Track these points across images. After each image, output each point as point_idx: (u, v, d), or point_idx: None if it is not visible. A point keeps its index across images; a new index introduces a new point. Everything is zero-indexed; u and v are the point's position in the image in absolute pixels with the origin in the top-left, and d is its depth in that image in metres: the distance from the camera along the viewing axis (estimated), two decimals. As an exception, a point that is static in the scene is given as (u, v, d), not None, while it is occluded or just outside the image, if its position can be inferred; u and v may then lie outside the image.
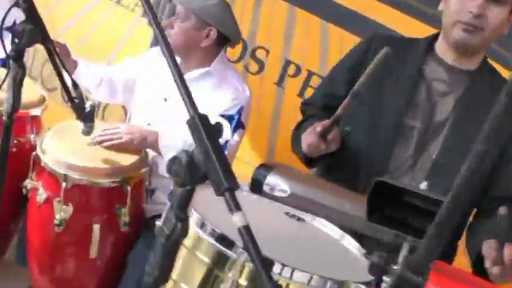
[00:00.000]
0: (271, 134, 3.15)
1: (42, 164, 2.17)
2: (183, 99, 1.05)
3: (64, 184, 2.09)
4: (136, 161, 2.23)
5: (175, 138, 2.27)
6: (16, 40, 1.68)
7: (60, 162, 2.14)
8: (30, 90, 2.36)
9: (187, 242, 1.35)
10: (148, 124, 2.47)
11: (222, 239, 1.28)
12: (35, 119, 2.49)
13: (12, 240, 2.61)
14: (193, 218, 1.35)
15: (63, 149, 2.20)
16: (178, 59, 2.49)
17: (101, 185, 2.13)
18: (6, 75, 1.72)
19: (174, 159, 0.99)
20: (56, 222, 2.12)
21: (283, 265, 1.27)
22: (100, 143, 2.26)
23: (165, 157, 2.28)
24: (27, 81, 1.81)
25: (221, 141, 2.30)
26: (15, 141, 2.28)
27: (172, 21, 2.41)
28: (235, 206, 0.94)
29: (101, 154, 2.21)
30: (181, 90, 1.07)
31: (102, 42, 3.48)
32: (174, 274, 1.32)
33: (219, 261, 1.29)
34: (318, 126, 1.90)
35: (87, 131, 2.11)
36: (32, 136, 2.46)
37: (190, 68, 2.46)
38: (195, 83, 2.42)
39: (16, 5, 1.62)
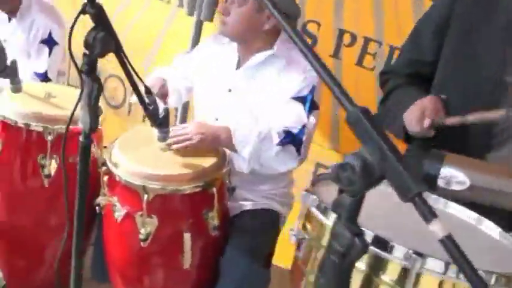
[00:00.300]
0: (333, 109, 2.99)
1: (117, 179, 2.04)
2: (335, 95, 0.90)
3: (145, 196, 1.96)
4: (216, 161, 2.09)
5: (249, 132, 2.13)
6: (87, 51, 1.52)
7: (137, 173, 2.00)
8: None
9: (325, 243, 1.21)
10: (217, 119, 2.33)
11: (378, 241, 1.12)
12: (95, 132, 2.36)
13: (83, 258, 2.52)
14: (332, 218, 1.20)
15: (137, 159, 2.07)
16: (236, 46, 2.33)
17: (184, 192, 2.00)
18: (81, 92, 1.57)
19: (343, 166, 0.84)
20: (141, 237, 2.00)
21: (448, 263, 1.11)
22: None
23: (241, 153, 2.13)
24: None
25: (298, 126, 2.18)
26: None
27: (228, 6, 2.22)
28: (430, 213, 0.79)
29: (178, 159, 2.07)
30: (331, 85, 0.92)
31: (140, 40, 3.35)
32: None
33: (376, 266, 1.14)
34: (426, 121, 1.79)
35: (164, 137, 1.96)
36: (94, 149, 2.34)
37: (252, 53, 2.29)
38: (259, 68, 2.27)
39: (83, 11, 1.45)
